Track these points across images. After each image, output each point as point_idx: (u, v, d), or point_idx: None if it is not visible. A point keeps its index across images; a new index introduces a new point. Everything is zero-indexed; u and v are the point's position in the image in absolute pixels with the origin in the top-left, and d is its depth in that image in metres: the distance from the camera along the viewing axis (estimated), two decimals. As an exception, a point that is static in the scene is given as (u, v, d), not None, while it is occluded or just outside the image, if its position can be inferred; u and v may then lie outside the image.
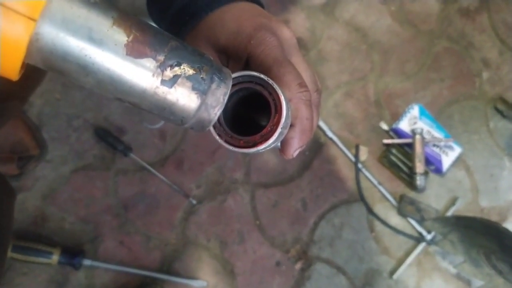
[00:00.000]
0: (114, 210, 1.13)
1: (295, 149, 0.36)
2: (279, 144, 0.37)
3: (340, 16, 1.35)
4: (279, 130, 0.30)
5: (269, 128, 0.31)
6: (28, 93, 0.83)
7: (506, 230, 0.95)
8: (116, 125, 1.17)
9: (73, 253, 1.05)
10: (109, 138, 1.14)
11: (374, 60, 1.33)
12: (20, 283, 1.06)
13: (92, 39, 0.24)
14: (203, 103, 0.28)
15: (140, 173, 1.15)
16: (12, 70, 0.23)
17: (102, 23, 0.24)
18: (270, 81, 0.31)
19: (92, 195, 1.13)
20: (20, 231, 1.08)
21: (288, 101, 0.33)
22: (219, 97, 0.28)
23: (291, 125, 0.35)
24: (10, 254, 1.01)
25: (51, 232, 1.09)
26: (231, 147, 0.31)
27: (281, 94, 0.31)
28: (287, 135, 0.35)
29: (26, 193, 1.10)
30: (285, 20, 1.32)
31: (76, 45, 0.23)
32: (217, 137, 0.31)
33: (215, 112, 0.28)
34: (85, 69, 0.24)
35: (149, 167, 1.14)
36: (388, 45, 1.35)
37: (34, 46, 0.22)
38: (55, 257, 1.03)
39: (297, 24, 1.32)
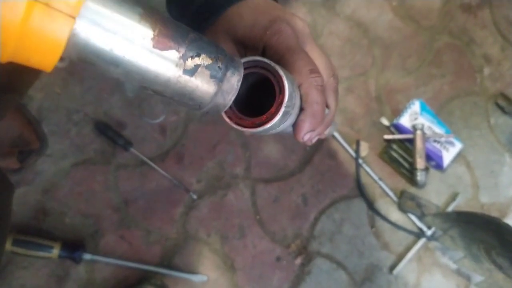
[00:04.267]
0: (114, 204, 1.13)
1: (305, 132, 0.38)
2: (291, 129, 0.38)
3: (341, 11, 1.35)
4: (283, 108, 0.32)
5: (274, 108, 0.33)
6: (27, 86, 0.83)
7: (506, 226, 0.95)
8: (116, 119, 1.17)
9: (73, 247, 1.05)
10: (109, 133, 1.14)
11: (375, 56, 1.33)
12: (21, 277, 1.06)
13: (123, 34, 0.26)
14: (219, 90, 0.30)
15: (141, 168, 1.15)
16: (50, 64, 0.24)
17: (131, 19, 0.26)
18: (272, 64, 0.33)
19: (93, 190, 1.13)
20: (21, 225, 1.08)
21: (293, 82, 0.34)
22: (233, 84, 0.31)
23: (302, 109, 0.37)
24: (10, 248, 1.01)
25: (52, 226, 1.09)
26: (240, 128, 0.33)
27: (283, 75, 0.33)
28: (298, 118, 0.37)
29: (26, 187, 1.10)
30: (286, 15, 1.31)
31: (108, 40, 0.25)
32: (227, 119, 0.34)
33: (230, 97, 0.31)
34: (116, 61, 0.26)
35: (149, 161, 1.14)
36: (389, 40, 1.35)
37: (71, 41, 0.24)
38: (55, 251, 1.03)
39: (298, 19, 1.31)
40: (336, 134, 1.24)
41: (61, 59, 0.26)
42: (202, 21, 0.43)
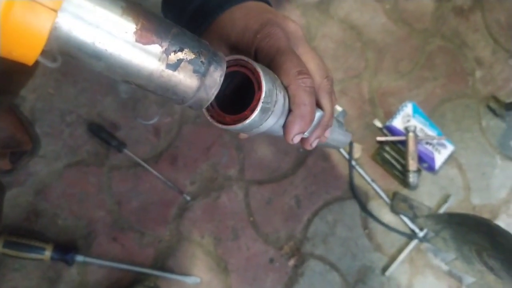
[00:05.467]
0: (107, 206, 1.12)
1: (294, 134, 0.37)
2: (282, 132, 0.39)
3: (335, 14, 1.35)
4: (260, 104, 0.32)
5: (252, 104, 0.33)
6: (19, 87, 0.82)
7: (497, 227, 0.96)
8: (110, 120, 1.16)
9: (66, 249, 1.05)
10: (103, 134, 1.13)
11: (369, 58, 1.34)
12: (12, 279, 1.06)
13: (105, 28, 0.26)
14: (202, 84, 0.30)
15: (134, 169, 1.15)
16: (32, 57, 0.24)
17: (113, 13, 0.26)
18: (250, 61, 0.33)
19: (86, 191, 1.12)
20: (13, 227, 1.07)
21: (274, 80, 0.35)
22: (216, 79, 0.31)
23: (290, 110, 0.37)
24: (2, 250, 1.00)
25: (44, 228, 1.09)
26: (221, 125, 0.34)
27: (260, 71, 0.33)
28: (287, 120, 0.37)
29: (18, 188, 1.09)
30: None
31: (90, 33, 0.25)
32: (209, 118, 0.34)
33: (213, 92, 0.31)
34: (98, 54, 0.26)
35: (143, 163, 1.14)
36: (383, 43, 1.36)
37: (52, 34, 0.24)
38: (47, 253, 1.02)
39: (292, 21, 1.32)
40: (330, 136, 1.24)
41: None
42: (196, 27, 0.43)
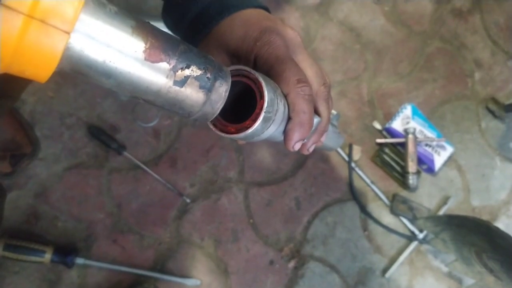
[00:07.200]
0: (107, 208, 1.13)
1: (295, 141, 0.38)
2: (282, 138, 0.39)
3: (334, 16, 1.36)
4: (263, 114, 0.33)
5: (255, 114, 0.34)
6: (20, 91, 0.83)
7: (497, 229, 0.96)
8: (109, 123, 1.17)
9: (66, 252, 1.05)
10: (103, 136, 1.13)
11: (368, 60, 1.34)
12: (12, 282, 1.06)
13: (115, 47, 0.26)
14: (208, 99, 0.31)
15: (134, 172, 1.15)
16: (45, 76, 0.25)
17: (123, 32, 0.27)
18: (252, 71, 0.34)
19: (85, 194, 1.12)
20: (13, 230, 1.07)
21: (275, 89, 0.35)
22: (221, 93, 0.32)
23: (290, 118, 0.37)
24: (2, 252, 1.00)
25: (44, 230, 1.09)
26: (224, 134, 0.35)
27: (262, 81, 0.34)
28: (286, 128, 0.38)
29: (18, 191, 1.09)
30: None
31: (101, 52, 0.26)
32: (212, 127, 0.35)
33: (218, 106, 0.32)
34: (108, 72, 0.27)
35: (143, 165, 1.14)
36: (382, 45, 1.36)
37: (65, 54, 0.25)
38: (47, 256, 1.02)
39: (291, 23, 1.32)
40: (329, 138, 1.24)
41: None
42: (196, 33, 0.43)
